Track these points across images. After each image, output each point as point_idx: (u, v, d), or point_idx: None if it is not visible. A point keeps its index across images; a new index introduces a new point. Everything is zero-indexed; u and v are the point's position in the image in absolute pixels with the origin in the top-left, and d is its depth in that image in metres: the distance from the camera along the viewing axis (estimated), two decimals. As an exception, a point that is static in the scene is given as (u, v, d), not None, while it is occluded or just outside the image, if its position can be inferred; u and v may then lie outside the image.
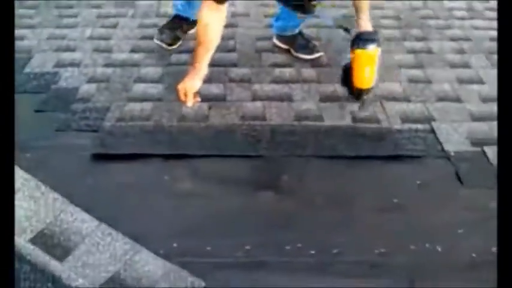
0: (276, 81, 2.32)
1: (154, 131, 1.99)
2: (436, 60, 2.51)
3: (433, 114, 2.09)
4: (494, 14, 3.05)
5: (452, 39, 2.72)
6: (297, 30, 2.52)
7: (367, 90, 2.00)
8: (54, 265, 1.29)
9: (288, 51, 2.53)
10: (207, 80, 2.30)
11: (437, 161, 1.87)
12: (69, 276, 1.27)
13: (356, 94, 2.02)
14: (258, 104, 2.15)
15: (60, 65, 2.44)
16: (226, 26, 2.66)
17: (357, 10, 2.03)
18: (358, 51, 1.90)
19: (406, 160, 1.87)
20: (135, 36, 2.73)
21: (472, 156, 1.87)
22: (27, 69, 2.41)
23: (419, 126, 2.02)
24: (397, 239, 1.58)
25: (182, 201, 1.71)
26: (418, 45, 2.64)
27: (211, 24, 1.93)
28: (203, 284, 1.41)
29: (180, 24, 2.59)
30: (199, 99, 2.02)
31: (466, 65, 2.47)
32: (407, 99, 2.19)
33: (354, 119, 2.07)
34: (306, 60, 2.46)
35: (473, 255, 1.52)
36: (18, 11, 3.02)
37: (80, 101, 2.17)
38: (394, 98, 2.19)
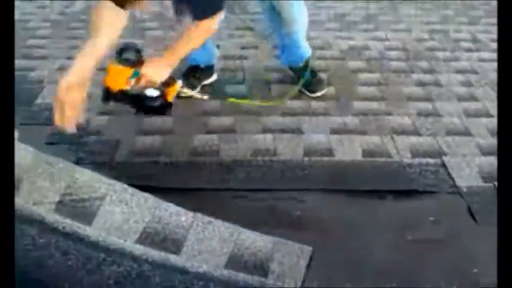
0: (286, 113, 2.34)
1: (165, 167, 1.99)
2: (444, 92, 2.53)
3: (444, 148, 2.10)
4: (500, 46, 3.10)
5: (460, 72, 2.74)
6: (301, 64, 2.53)
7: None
8: (174, 259, 1.41)
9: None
10: (217, 113, 2.34)
11: (450, 197, 1.86)
12: (193, 265, 1.41)
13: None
14: (268, 136, 2.16)
15: (71, 96, 2.46)
16: (235, 58, 2.71)
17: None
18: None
19: (418, 195, 1.87)
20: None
21: (484, 192, 1.87)
22: (38, 101, 2.43)
23: (430, 160, 2.03)
24: (410, 277, 1.56)
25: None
26: (426, 77, 2.67)
27: (103, 19, 1.78)
28: (310, 249, 1.49)
29: (193, 73, 2.57)
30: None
31: (473, 98, 2.49)
32: (417, 133, 2.20)
33: (364, 153, 2.08)
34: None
35: (489, 295, 1.51)
36: (30, 41, 3.07)
37: (91, 133, 2.18)
38: (404, 132, 2.20)
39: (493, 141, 2.15)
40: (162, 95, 1.99)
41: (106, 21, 1.78)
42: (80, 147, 2.09)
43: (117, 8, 1.77)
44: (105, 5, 1.76)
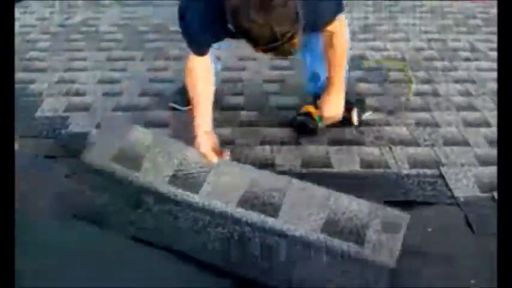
0: (284, 124, 2.34)
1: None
2: (443, 102, 2.53)
3: (441, 158, 2.10)
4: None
5: (458, 81, 2.75)
6: None
7: None
8: (272, 221, 1.55)
9: None
10: (215, 124, 2.34)
11: (447, 207, 1.86)
12: (290, 228, 1.52)
13: None
14: (266, 148, 2.17)
15: (70, 109, 2.48)
16: (234, 70, 2.72)
17: (328, 68, 2.07)
18: None
19: (417, 206, 1.86)
20: (144, 79, 2.77)
21: (481, 202, 1.87)
22: (38, 113, 2.44)
23: (428, 171, 2.02)
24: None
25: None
26: (424, 87, 2.67)
27: (197, 78, 1.92)
28: (409, 216, 1.53)
29: None
30: (228, 153, 1.93)
31: (472, 108, 2.49)
32: (415, 143, 2.20)
33: (362, 164, 2.08)
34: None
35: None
36: (29, 54, 3.09)
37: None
38: (402, 142, 2.20)
39: (491, 151, 2.15)
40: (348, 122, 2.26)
41: (203, 80, 1.95)
42: (76, 161, 2.10)
43: (208, 59, 1.92)
44: (199, 61, 1.91)
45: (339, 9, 1.93)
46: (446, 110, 2.46)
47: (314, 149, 2.16)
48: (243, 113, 2.43)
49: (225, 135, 2.24)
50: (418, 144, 2.19)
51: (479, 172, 2.02)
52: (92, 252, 1.65)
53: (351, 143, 2.20)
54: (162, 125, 2.35)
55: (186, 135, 2.23)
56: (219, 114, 2.40)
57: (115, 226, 1.71)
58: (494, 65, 2.96)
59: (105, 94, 2.61)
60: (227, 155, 1.92)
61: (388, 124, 2.33)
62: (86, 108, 2.49)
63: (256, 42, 1.55)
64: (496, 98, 2.57)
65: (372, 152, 2.13)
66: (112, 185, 1.84)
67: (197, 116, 1.94)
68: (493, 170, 2.02)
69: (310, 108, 2.27)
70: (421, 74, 2.82)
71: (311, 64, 2.30)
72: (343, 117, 2.22)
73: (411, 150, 2.15)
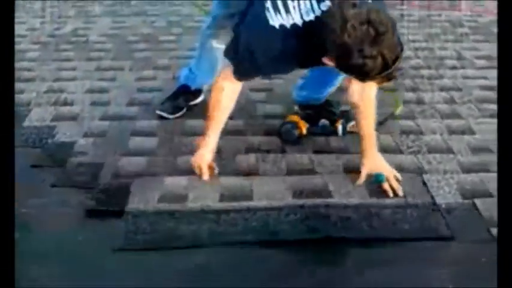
0: (270, 132, 2.36)
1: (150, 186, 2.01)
2: (427, 110, 2.56)
3: (424, 165, 2.11)
4: (484, 63, 3.14)
5: (443, 89, 2.78)
6: (319, 102, 2.44)
7: None
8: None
9: None
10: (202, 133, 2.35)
11: (429, 213, 1.87)
12: None
13: None
14: (252, 156, 2.18)
15: (58, 118, 2.49)
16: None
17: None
18: None
19: (396, 211, 1.88)
20: (132, 88, 2.79)
21: (462, 209, 1.89)
22: (26, 123, 2.45)
23: (411, 177, 2.04)
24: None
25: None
26: (409, 95, 2.70)
27: (226, 99, 1.94)
28: None
29: (183, 95, 2.55)
30: (216, 170, 2.03)
31: (456, 115, 2.51)
32: (398, 151, 2.22)
33: (347, 169, 2.10)
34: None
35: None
36: (19, 64, 3.10)
37: (75, 155, 2.20)
38: (386, 150, 2.21)
39: (473, 159, 2.17)
40: None
41: (227, 102, 1.96)
42: (63, 170, 2.11)
43: (239, 86, 1.93)
44: (226, 80, 1.91)
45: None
46: (430, 118, 2.48)
47: (299, 158, 2.18)
48: (230, 121, 2.44)
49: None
50: (401, 152, 2.21)
51: (462, 179, 2.04)
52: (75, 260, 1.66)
53: (335, 151, 2.21)
54: (149, 134, 2.37)
55: (172, 144, 2.27)
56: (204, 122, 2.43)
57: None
58: (480, 73, 3.00)
59: (93, 103, 2.63)
60: (215, 173, 2.02)
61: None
62: (73, 117, 2.51)
63: (367, 75, 1.58)
64: (480, 106, 2.60)
65: (355, 159, 2.14)
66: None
67: (211, 132, 1.99)
68: (475, 177, 2.04)
69: (295, 118, 2.31)
70: (407, 82, 2.85)
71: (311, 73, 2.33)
72: (330, 132, 2.27)
73: (395, 157, 2.16)
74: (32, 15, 4.03)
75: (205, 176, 1.99)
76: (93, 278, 1.58)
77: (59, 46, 3.41)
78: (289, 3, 1.68)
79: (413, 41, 3.49)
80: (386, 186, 1.95)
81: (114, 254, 1.67)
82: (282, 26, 1.69)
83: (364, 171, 2.00)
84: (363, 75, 1.60)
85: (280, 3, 1.69)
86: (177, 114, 2.51)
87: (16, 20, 3.87)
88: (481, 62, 3.16)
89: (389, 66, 1.55)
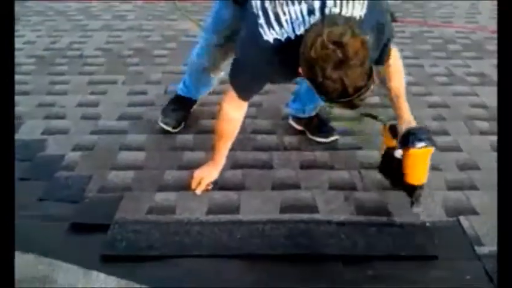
0: (258, 148, 2.37)
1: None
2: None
3: (411, 182, 2.12)
4: (475, 79, 3.16)
5: (432, 106, 2.79)
6: (313, 113, 2.47)
7: (421, 186, 1.89)
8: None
9: (303, 132, 2.49)
10: (191, 148, 2.37)
11: (413, 231, 1.88)
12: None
13: (409, 190, 1.91)
14: (238, 172, 2.19)
15: (48, 132, 2.50)
16: (210, 93, 2.76)
17: (394, 100, 1.95)
18: (414, 150, 1.81)
19: (382, 229, 1.88)
20: (123, 103, 2.81)
21: (447, 227, 1.89)
22: (16, 136, 2.46)
23: (397, 193, 2.04)
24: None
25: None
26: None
27: (233, 119, 1.97)
28: None
29: (184, 105, 2.56)
30: (210, 186, 2.07)
31: (444, 132, 2.53)
32: (385, 167, 2.23)
33: (331, 187, 2.11)
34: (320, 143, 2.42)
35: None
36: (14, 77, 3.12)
37: (63, 169, 2.21)
38: (372, 166, 2.22)
39: (460, 176, 2.18)
40: None
41: (235, 123, 1.98)
42: (51, 183, 2.12)
43: (241, 101, 1.91)
44: (231, 102, 1.91)
45: (391, 36, 1.88)
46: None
47: (286, 172, 2.19)
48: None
49: (199, 158, 2.26)
50: (387, 168, 2.22)
51: (447, 196, 2.04)
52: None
53: (321, 166, 2.23)
54: (138, 148, 2.38)
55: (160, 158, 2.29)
56: (193, 138, 2.45)
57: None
58: (470, 90, 3.02)
59: (84, 117, 2.64)
60: (208, 188, 2.06)
61: (359, 148, 2.37)
62: (63, 131, 2.52)
63: (326, 95, 1.56)
64: (469, 123, 2.61)
65: (341, 175, 2.15)
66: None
67: (219, 154, 2.06)
68: (460, 195, 2.05)
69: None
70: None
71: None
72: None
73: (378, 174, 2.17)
74: (30, 29, 4.05)
75: (199, 191, 2.03)
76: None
77: (53, 60, 3.42)
78: (282, 17, 1.68)
79: (404, 58, 3.49)
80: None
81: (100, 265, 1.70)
82: (276, 39, 1.69)
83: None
84: (323, 94, 1.57)
85: (273, 19, 1.69)
86: (180, 128, 2.51)
87: (15, 33, 3.93)
88: (472, 79, 3.17)
89: (349, 94, 1.51)
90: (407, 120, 1.90)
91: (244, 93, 1.89)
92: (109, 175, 2.17)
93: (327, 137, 2.44)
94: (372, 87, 1.55)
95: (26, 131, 2.52)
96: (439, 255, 1.77)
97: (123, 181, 2.13)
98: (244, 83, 1.88)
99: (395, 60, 1.95)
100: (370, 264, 1.75)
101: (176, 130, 2.49)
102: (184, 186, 2.08)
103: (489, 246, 1.78)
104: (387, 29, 1.80)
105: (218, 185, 2.09)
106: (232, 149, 2.33)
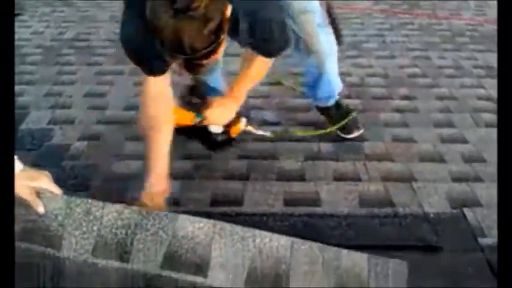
0: (261, 139, 2.37)
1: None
2: (421, 119, 2.56)
3: (414, 174, 2.12)
4: (482, 72, 3.14)
5: (439, 98, 2.78)
6: (331, 101, 2.35)
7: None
8: None
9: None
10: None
11: (417, 222, 1.88)
12: None
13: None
14: (243, 162, 2.20)
15: (55, 121, 2.52)
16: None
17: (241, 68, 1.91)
18: None
19: (384, 220, 1.89)
20: (130, 93, 2.82)
21: (451, 218, 1.89)
22: (23, 126, 2.49)
23: (400, 185, 2.05)
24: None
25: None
26: (404, 103, 2.71)
27: (153, 103, 1.68)
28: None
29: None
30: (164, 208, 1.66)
31: (450, 124, 2.52)
32: (390, 159, 2.23)
33: (335, 177, 2.11)
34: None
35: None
36: (19, 67, 3.14)
37: (70, 158, 2.23)
38: (377, 158, 2.22)
39: (465, 168, 2.18)
40: (226, 132, 2.08)
41: (162, 105, 1.68)
42: (57, 172, 2.14)
43: (165, 80, 1.68)
44: (154, 82, 1.67)
45: (286, 45, 1.80)
46: (424, 127, 2.49)
47: (289, 164, 2.19)
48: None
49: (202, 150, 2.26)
50: (393, 160, 2.22)
51: (451, 188, 2.04)
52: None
53: (326, 158, 2.23)
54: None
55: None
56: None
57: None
58: (477, 82, 3.00)
59: (91, 107, 2.66)
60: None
61: (365, 140, 2.37)
62: (70, 121, 2.54)
63: (162, 45, 1.34)
64: (476, 115, 2.60)
65: (346, 166, 2.16)
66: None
67: (151, 155, 1.67)
68: (465, 187, 2.05)
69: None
70: (403, 90, 2.86)
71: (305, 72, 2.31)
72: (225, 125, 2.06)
73: (385, 165, 2.17)
74: (38, 20, 4.08)
75: (157, 209, 1.52)
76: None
77: (60, 51, 3.45)
78: None
79: (412, 50, 3.49)
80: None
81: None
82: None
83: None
84: (160, 44, 1.34)
85: None
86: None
87: (21, 24, 3.96)
88: (479, 71, 3.15)
89: (185, 52, 1.32)
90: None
91: (141, 65, 1.68)
92: (115, 165, 2.18)
93: (349, 132, 2.34)
94: (216, 57, 1.41)
95: (33, 121, 2.54)
96: (442, 246, 1.77)
97: (129, 171, 2.14)
98: (132, 51, 1.64)
99: (264, 64, 1.87)
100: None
101: None
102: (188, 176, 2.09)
103: (493, 238, 1.77)
104: (271, 25, 1.67)
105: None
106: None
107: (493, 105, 2.69)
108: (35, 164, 2.18)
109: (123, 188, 2.02)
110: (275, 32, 1.70)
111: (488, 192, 2.00)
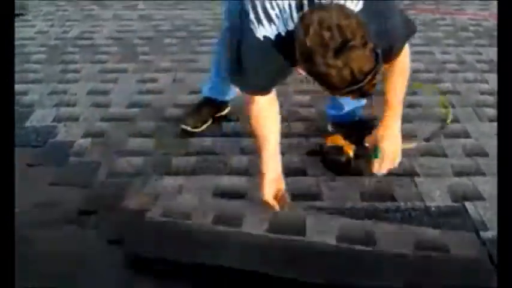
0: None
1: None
2: (424, 113, 2.56)
3: (416, 168, 2.12)
4: (485, 66, 3.13)
5: (442, 93, 2.77)
6: (356, 118, 2.33)
7: None
8: None
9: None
10: (199, 134, 2.39)
11: (419, 216, 1.88)
12: None
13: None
14: (244, 158, 2.21)
15: (59, 119, 2.54)
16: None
17: (384, 104, 1.94)
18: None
19: (387, 214, 1.89)
20: (133, 90, 2.84)
21: (452, 212, 1.89)
22: (27, 123, 2.51)
23: (403, 179, 2.05)
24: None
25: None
26: (407, 98, 2.69)
27: (261, 117, 1.77)
28: None
29: (208, 107, 2.46)
30: (287, 200, 1.87)
31: (453, 119, 2.51)
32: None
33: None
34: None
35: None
36: (24, 66, 3.17)
37: (74, 155, 2.25)
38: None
39: (467, 162, 2.18)
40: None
41: (270, 118, 1.80)
42: (62, 169, 2.16)
43: (271, 96, 1.77)
44: (260, 100, 1.74)
45: (410, 31, 1.84)
46: (426, 121, 2.49)
47: (291, 158, 2.19)
48: (224, 123, 2.49)
49: (207, 145, 2.28)
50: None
51: (453, 182, 2.04)
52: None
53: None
54: (148, 135, 2.41)
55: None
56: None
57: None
58: (480, 77, 2.99)
59: (94, 105, 2.68)
60: (287, 203, 1.87)
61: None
62: (74, 118, 2.56)
63: (334, 86, 1.41)
64: (478, 109, 2.60)
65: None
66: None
67: (264, 162, 1.81)
68: (466, 181, 2.05)
69: (338, 139, 2.13)
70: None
71: None
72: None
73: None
74: (42, 19, 4.10)
75: (276, 208, 1.83)
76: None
77: (65, 49, 3.47)
78: (271, 12, 1.54)
79: (415, 45, 3.48)
80: (374, 162, 1.94)
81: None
82: (265, 37, 1.56)
83: (370, 140, 1.96)
84: (329, 86, 1.42)
85: (261, 14, 1.55)
86: (202, 128, 2.42)
87: (25, 23, 3.98)
88: (482, 66, 3.14)
89: (358, 80, 1.38)
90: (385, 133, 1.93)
91: (250, 88, 1.74)
92: (118, 162, 2.20)
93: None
94: (382, 69, 1.45)
95: (38, 118, 2.56)
96: (443, 239, 1.78)
97: (132, 167, 2.16)
98: (246, 79, 1.71)
99: (405, 54, 1.88)
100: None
101: (197, 130, 2.40)
102: (192, 172, 2.12)
103: (494, 231, 1.77)
104: (394, 29, 1.68)
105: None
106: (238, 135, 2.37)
107: (496, 100, 2.69)
108: (40, 160, 2.23)
109: (127, 184, 2.04)
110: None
111: (490, 186, 2.00)
